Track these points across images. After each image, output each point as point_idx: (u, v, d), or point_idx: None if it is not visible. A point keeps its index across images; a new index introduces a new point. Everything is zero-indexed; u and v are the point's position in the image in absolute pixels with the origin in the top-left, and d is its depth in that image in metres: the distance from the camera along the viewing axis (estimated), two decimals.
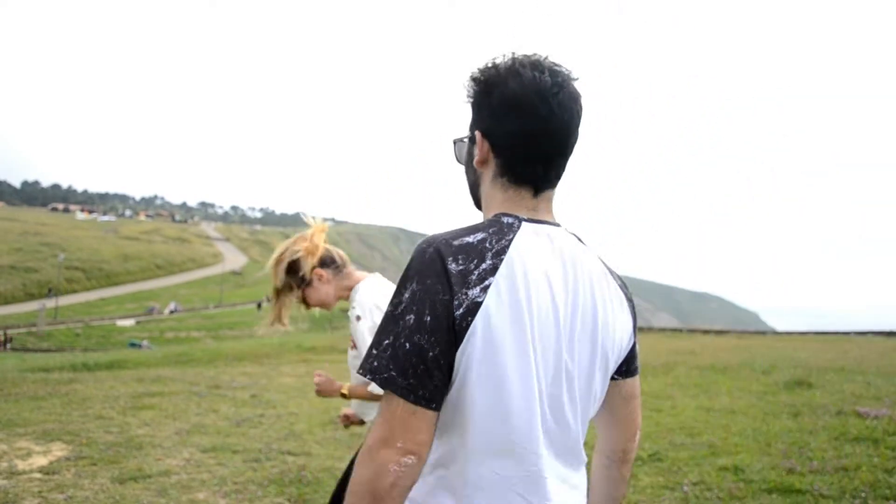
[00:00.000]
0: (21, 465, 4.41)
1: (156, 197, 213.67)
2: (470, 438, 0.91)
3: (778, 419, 5.91)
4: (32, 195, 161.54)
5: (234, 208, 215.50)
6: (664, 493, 4.00)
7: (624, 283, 1.09)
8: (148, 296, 53.26)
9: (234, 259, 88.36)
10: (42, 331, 33.15)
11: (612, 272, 1.07)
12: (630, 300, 1.09)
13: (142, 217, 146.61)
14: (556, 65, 1.00)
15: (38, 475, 4.21)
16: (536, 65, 0.99)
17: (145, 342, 30.16)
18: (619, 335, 1.03)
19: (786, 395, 7.26)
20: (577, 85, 1.01)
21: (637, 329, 1.10)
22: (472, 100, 1.04)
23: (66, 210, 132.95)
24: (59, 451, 4.82)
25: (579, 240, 1.05)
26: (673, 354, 13.01)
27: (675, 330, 25.92)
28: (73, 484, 4.05)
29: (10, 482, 4.03)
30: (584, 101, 1.01)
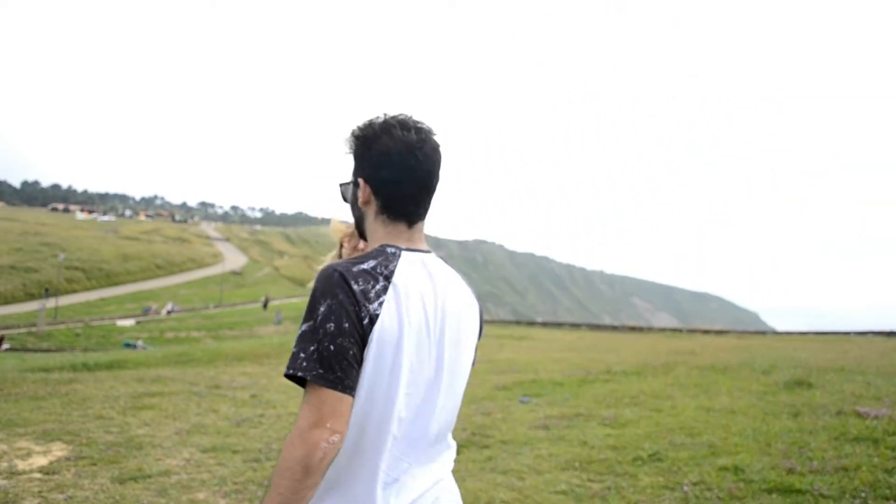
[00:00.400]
0: (21, 465, 4.42)
1: (156, 197, 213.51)
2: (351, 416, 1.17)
3: (778, 419, 5.91)
4: (32, 195, 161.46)
5: (234, 208, 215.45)
6: (664, 493, 4.00)
7: (474, 295, 1.40)
8: (148, 296, 53.23)
9: (234, 259, 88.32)
10: (42, 331, 33.12)
11: (467, 285, 1.38)
12: (479, 308, 1.42)
13: (142, 217, 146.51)
14: (419, 123, 1.30)
15: (38, 475, 4.21)
16: (404, 124, 1.28)
17: (140, 342, 30.05)
18: (473, 337, 1.37)
19: (786, 395, 7.25)
20: (436, 138, 1.31)
21: (483, 328, 1.44)
22: (354, 151, 1.33)
23: (66, 210, 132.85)
24: (59, 451, 4.82)
25: (444, 262, 1.37)
26: (673, 354, 13.01)
27: (675, 330, 25.94)
28: (73, 484, 4.05)
29: (10, 482, 4.03)
30: (442, 150, 1.32)
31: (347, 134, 1.34)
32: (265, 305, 45.98)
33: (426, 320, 1.23)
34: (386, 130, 1.28)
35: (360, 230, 1.40)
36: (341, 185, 1.43)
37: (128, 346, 28.40)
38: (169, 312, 42.82)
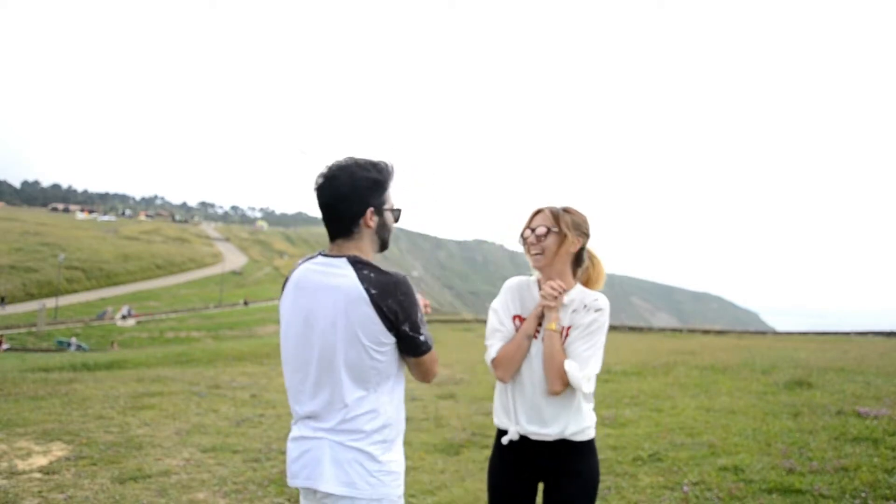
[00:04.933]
0: (21, 465, 4.42)
1: (156, 197, 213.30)
2: None
3: (778, 419, 5.91)
4: (32, 195, 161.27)
5: (234, 208, 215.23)
6: (664, 493, 4.00)
7: (370, 288, 1.69)
8: (148, 296, 53.24)
9: (234, 259, 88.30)
10: (42, 331, 33.14)
11: (362, 281, 1.71)
12: (372, 297, 1.69)
13: (142, 217, 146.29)
14: (327, 166, 1.80)
15: (38, 475, 4.21)
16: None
17: (74, 339, 29.20)
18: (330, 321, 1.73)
19: (786, 395, 7.25)
20: (335, 174, 1.78)
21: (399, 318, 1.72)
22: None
23: (66, 210, 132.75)
24: (59, 451, 4.82)
25: (353, 263, 1.74)
26: (673, 354, 13.00)
27: (675, 330, 25.91)
28: (73, 484, 4.05)
29: (10, 482, 4.03)
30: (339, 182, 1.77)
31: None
32: (245, 303, 46.89)
33: (296, 311, 1.78)
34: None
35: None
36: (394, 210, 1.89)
37: (60, 344, 28.01)
38: (124, 317, 40.13)
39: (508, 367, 2.04)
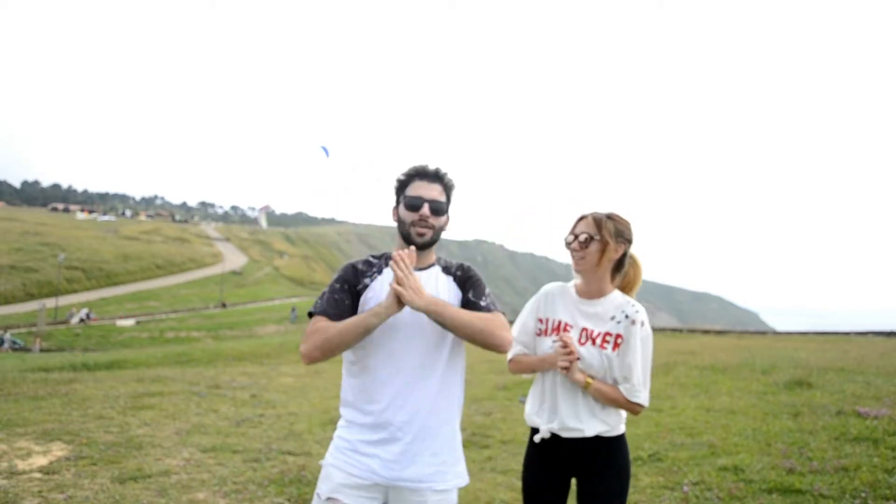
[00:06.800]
0: (21, 465, 4.41)
1: (156, 197, 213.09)
2: None
3: (778, 419, 5.90)
4: (32, 195, 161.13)
5: (234, 208, 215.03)
6: (664, 493, 4.00)
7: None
8: (148, 296, 53.22)
9: (234, 259, 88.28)
10: (42, 331, 33.13)
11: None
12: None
13: (142, 217, 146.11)
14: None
15: (38, 475, 4.21)
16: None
17: (7, 335, 28.50)
18: None
19: (786, 395, 7.25)
20: None
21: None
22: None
23: (66, 210, 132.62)
24: (59, 451, 4.82)
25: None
26: (673, 354, 12.99)
27: (675, 330, 25.87)
28: (73, 484, 4.05)
29: (10, 482, 4.03)
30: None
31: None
32: (224, 305, 47.82)
33: None
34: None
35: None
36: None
37: None
38: (82, 321, 38.17)
39: (520, 372, 2.26)
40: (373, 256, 2.06)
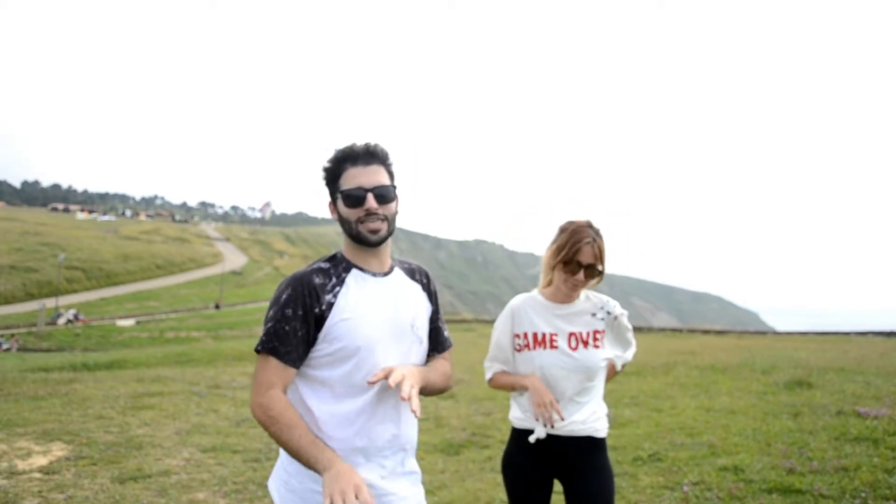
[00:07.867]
0: (21, 465, 4.42)
1: (156, 197, 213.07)
2: None
3: (778, 419, 5.90)
4: (32, 195, 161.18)
5: (234, 208, 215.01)
6: (664, 493, 4.00)
7: None
8: (148, 296, 53.27)
9: (234, 259, 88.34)
10: (42, 331, 33.15)
11: None
12: None
13: (142, 217, 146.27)
14: None
15: (38, 475, 4.21)
16: None
17: None
18: None
19: (786, 395, 7.25)
20: None
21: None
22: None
23: (66, 210, 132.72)
24: (59, 451, 4.82)
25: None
26: (673, 354, 13.00)
27: (675, 330, 25.92)
28: (73, 484, 4.05)
29: (10, 482, 4.03)
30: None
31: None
32: (217, 307, 48.07)
33: None
34: None
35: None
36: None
37: None
38: (69, 322, 37.86)
39: (500, 389, 2.27)
40: (323, 262, 1.67)
